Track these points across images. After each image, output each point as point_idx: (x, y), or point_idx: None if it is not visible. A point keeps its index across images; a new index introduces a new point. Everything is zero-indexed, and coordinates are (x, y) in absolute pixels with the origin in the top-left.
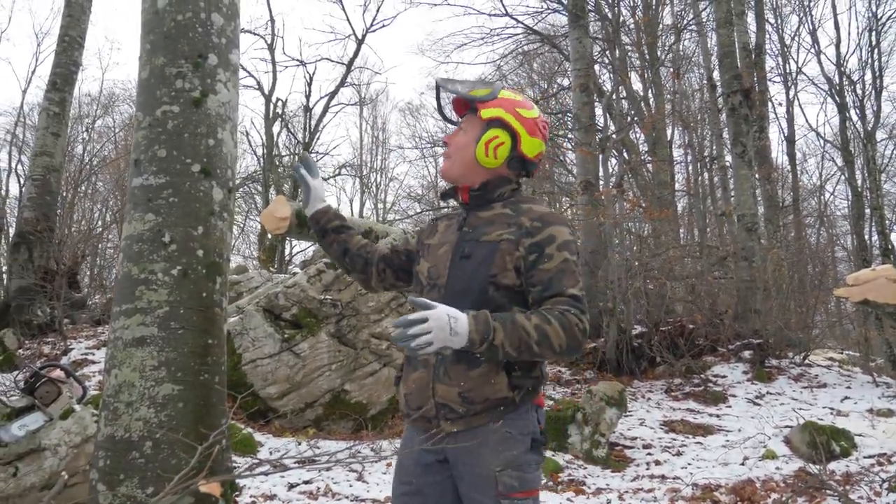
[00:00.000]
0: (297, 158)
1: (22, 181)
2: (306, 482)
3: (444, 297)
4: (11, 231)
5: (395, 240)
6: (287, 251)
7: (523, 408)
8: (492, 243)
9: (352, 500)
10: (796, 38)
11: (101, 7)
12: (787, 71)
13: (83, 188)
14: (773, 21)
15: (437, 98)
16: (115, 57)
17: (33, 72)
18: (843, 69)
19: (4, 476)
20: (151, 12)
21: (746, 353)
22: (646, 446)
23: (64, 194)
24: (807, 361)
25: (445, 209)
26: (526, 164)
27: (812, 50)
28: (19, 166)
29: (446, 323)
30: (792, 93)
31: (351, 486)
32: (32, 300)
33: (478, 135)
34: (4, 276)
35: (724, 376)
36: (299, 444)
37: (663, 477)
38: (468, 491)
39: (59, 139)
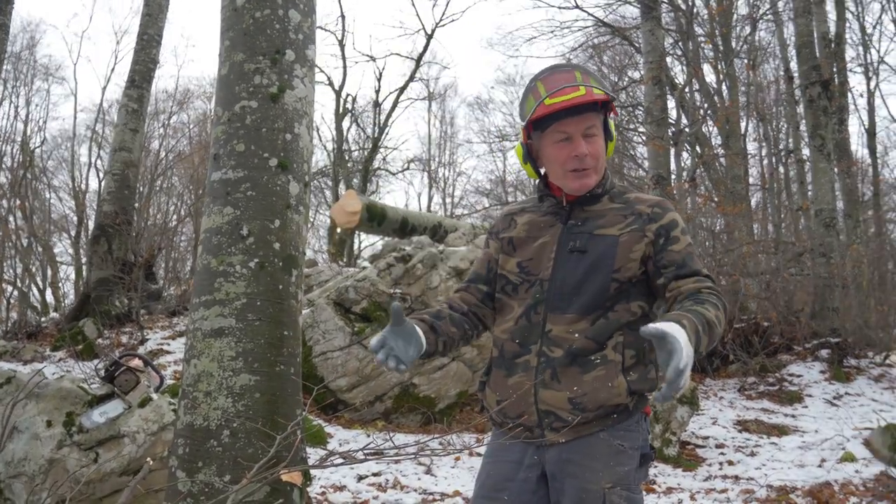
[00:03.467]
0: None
1: (101, 176)
2: (375, 474)
3: (549, 291)
4: (91, 224)
5: (470, 277)
6: (356, 245)
7: (635, 417)
8: (610, 237)
9: (420, 493)
10: (878, 27)
11: (178, 4)
12: (869, 61)
13: (159, 183)
14: (853, 9)
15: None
16: (190, 54)
17: (112, 69)
18: None
19: (86, 461)
20: (231, 9)
21: (824, 353)
22: (718, 446)
23: (141, 189)
24: (888, 361)
25: (515, 203)
26: None
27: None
28: (98, 161)
29: (687, 342)
30: (873, 83)
31: (419, 479)
32: (111, 291)
33: (603, 134)
34: (84, 267)
35: (800, 376)
36: (368, 436)
37: (737, 477)
38: None
39: (137, 135)
